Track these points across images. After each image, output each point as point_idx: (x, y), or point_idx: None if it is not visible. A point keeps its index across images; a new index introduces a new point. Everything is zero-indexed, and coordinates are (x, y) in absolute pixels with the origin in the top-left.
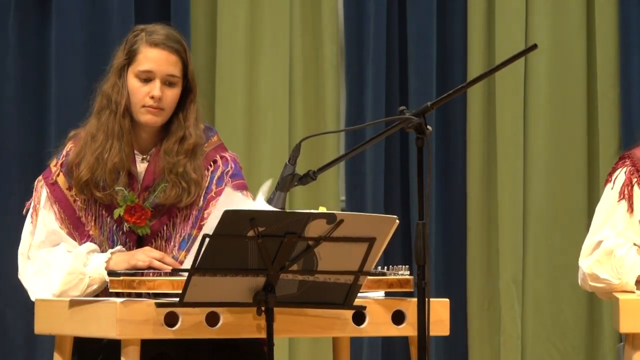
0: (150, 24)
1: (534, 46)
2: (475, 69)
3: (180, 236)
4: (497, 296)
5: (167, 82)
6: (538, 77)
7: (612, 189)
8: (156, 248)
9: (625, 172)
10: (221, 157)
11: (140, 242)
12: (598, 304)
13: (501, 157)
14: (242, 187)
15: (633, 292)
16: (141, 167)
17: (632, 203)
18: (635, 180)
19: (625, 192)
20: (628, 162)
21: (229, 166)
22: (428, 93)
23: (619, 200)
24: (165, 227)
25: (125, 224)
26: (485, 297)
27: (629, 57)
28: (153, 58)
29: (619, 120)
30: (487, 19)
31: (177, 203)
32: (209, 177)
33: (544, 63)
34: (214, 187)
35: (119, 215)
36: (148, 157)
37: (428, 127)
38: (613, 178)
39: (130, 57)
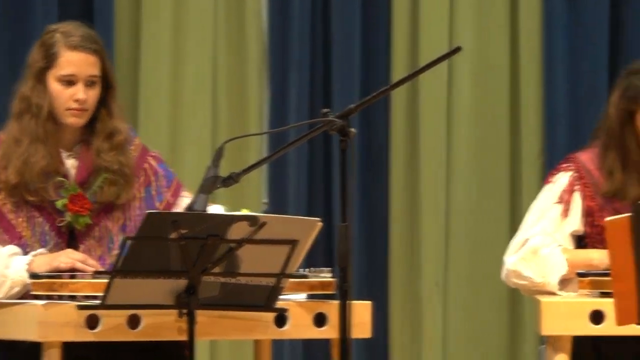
0: (62, 23)
1: (458, 48)
2: (399, 72)
3: (117, 237)
4: (419, 298)
5: (89, 83)
6: (462, 79)
7: (551, 190)
8: (89, 248)
9: (568, 177)
10: (150, 167)
11: (72, 242)
12: (520, 306)
13: (424, 159)
14: (179, 189)
15: (555, 292)
16: (69, 163)
17: (568, 209)
18: (577, 186)
19: (565, 197)
20: (572, 167)
21: (159, 175)
22: (352, 95)
23: (555, 202)
24: (97, 228)
25: (68, 214)
26: (407, 300)
27: (552, 59)
28: (74, 61)
29: (542, 122)
30: (411, 22)
31: (115, 200)
32: (144, 189)
33: (467, 65)
34: (156, 204)
35: (63, 205)
36: (74, 153)
37: (351, 129)
38: (554, 180)
39: (50, 60)
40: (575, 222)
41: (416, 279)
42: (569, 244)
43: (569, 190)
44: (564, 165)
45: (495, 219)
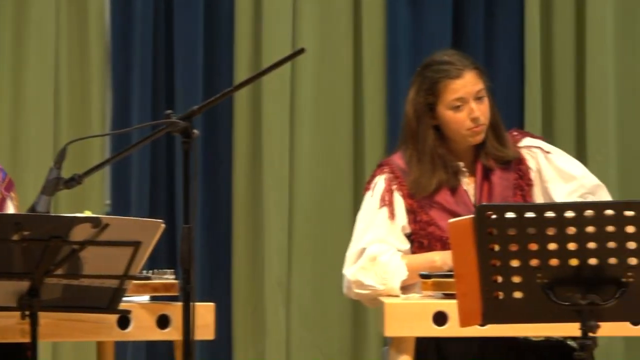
0: None
1: (301, 50)
2: (242, 73)
3: None
4: (262, 300)
5: None
6: (305, 81)
7: (372, 196)
8: None
9: (384, 179)
10: None
11: None
12: (363, 308)
13: (267, 160)
14: (10, 188)
15: (398, 296)
16: None
17: (393, 209)
18: (394, 186)
19: (386, 198)
20: (386, 169)
21: None
22: (195, 97)
23: (379, 208)
24: None
25: None
26: (250, 301)
27: (396, 61)
28: None
29: (385, 124)
30: (254, 23)
31: None
32: None
33: (311, 67)
34: None
35: None
36: None
37: (194, 130)
38: (372, 186)
39: None
40: (403, 220)
41: (259, 279)
42: (405, 243)
43: (389, 191)
44: (378, 169)
45: (338, 220)
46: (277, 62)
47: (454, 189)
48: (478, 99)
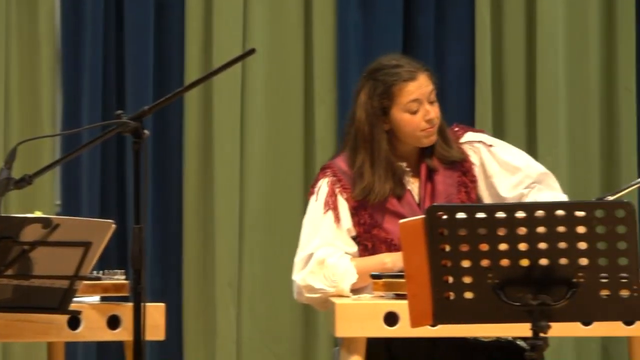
0: None
1: (252, 50)
2: (193, 73)
3: None
4: (212, 300)
5: None
6: (256, 81)
7: (316, 200)
8: None
9: (327, 183)
10: None
11: None
12: (314, 308)
13: (218, 161)
14: None
15: (349, 297)
16: None
17: (338, 213)
18: (338, 190)
19: (330, 202)
20: (329, 173)
21: None
22: (145, 97)
23: (325, 212)
24: None
25: None
26: (201, 301)
27: (346, 62)
28: None
29: (335, 125)
30: (205, 24)
31: None
32: None
33: (261, 67)
34: None
35: None
36: None
37: (145, 131)
38: (316, 190)
39: None
40: (348, 223)
41: (210, 280)
42: (353, 246)
43: (332, 195)
44: (321, 173)
45: (289, 220)
46: (228, 63)
47: (400, 197)
48: (431, 100)
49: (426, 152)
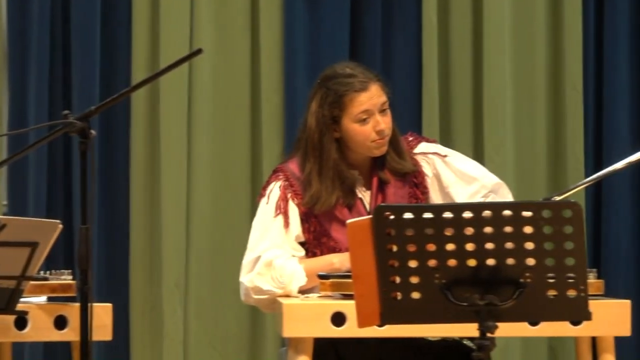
0: None
1: (199, 50)
2: (140, 73)
3: None
4: (159, 301)
5: None
6: (202, 81)
7: (267, 203)
8: None
9: (279, 187)
10: None
11: None
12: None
13: (165, 161)
14: None
15: (297, 297)
16: None
17: (288, 218)
18: (290, 194)
19: (281, 206)
20: (281, 176)
21: None
22: (92, 97)
23: (275, 216)
24: None
25: None
26: (148, 302)
27: (293, 61)
28: None
29: (282, 125)
30: (152, 23)
31: None
32: None
33: (208, 67)
34: None
35: None
36: None
37: (92, 131)
38: (267, 192)
39: None
40: (297, 229)
41: (157, 280)
42: (301, 251)
43: (284, 199)
44: (273, 176)
45: (236, 220)
46: (175, 63)
47: (350, 207)
48: (382, 111)
49: (378, 163)
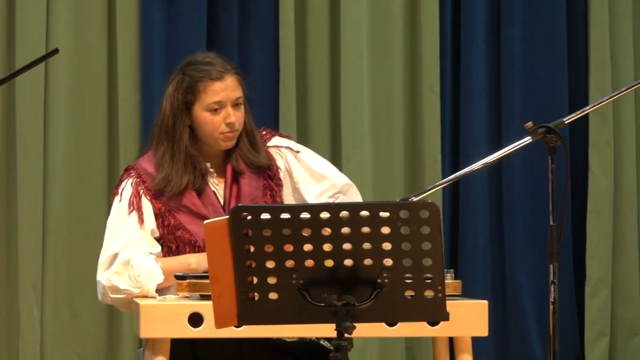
0: None
1: (55, 51)
2: None
3: None
4: (16, 302)
5: None
6: (59, 81)
7: (120, 201)
8: None
9: (131, 184)
10: None
11: None
12: (118, 309)
13: (21, 162)
14: None
15: (154, 297)
16: None
17: (142, 214)
18: (142, 190)
19: (134, 203)
20: (133, 174)
21: None
22: None
23: (129, 213)
24: None
25: None
26: (4, 303)
27: (150, 62)
28: None
29: (139, 124)
30: (8, 23)
31: None
32: None
33: (65, 68)
34: None
35: None
36: None
37: None
38: (120, 190)
39: None
40: (152, 224)
41: (13, 281)
42: (157, 246)
43: (136, 195)
44: (125, 174)
45: (93, 220)
46: (31, 63)
47: (200, 191)
48: (235, 105)
49: (232, 154)
